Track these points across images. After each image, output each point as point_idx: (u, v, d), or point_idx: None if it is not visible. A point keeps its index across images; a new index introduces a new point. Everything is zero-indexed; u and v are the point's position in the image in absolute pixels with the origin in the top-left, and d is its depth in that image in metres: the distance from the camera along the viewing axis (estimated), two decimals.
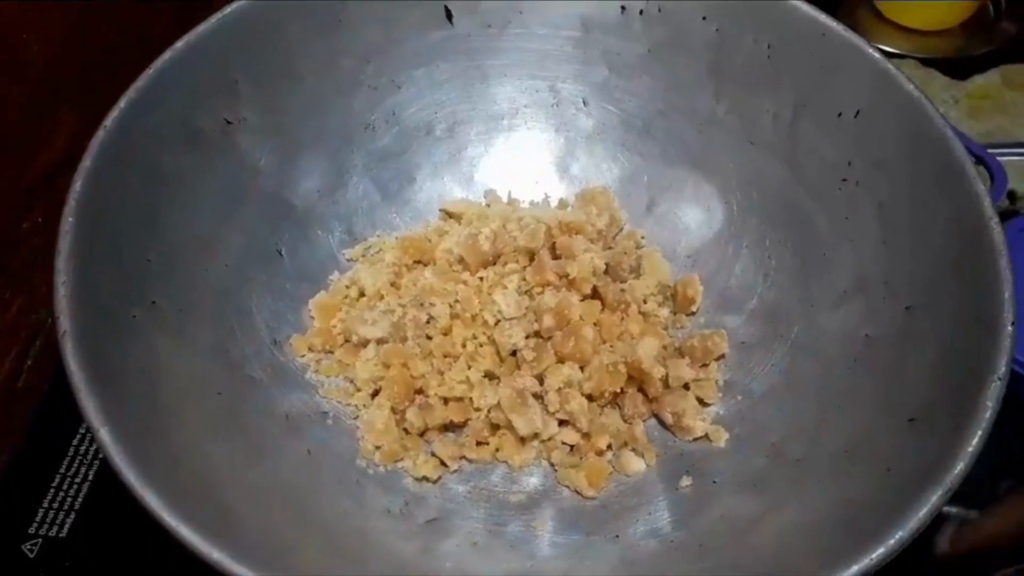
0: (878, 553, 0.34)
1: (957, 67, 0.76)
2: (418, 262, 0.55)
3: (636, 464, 0.49)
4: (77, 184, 0.41)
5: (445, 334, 0.52)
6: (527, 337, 0.51)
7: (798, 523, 0.42)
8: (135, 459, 0.34)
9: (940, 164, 0.45)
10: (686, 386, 0.51)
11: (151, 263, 0.45)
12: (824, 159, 0.51)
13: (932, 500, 0.35)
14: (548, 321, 0.50)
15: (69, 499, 0.54)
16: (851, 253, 0.49)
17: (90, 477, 0.55)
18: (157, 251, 0.45)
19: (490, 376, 0.51)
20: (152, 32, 0.49)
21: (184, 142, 0.48)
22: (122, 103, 0.44)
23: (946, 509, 0.35)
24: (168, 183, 0.47)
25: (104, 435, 0.34)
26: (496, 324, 0.51)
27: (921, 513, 0.34)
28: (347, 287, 0.54)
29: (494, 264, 0.54)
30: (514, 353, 0.51)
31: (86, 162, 0.42)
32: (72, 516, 0.53)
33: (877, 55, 0.48)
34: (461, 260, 0.54)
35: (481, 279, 0.53)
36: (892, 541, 0.34)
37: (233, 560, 0.34)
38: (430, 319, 0.52)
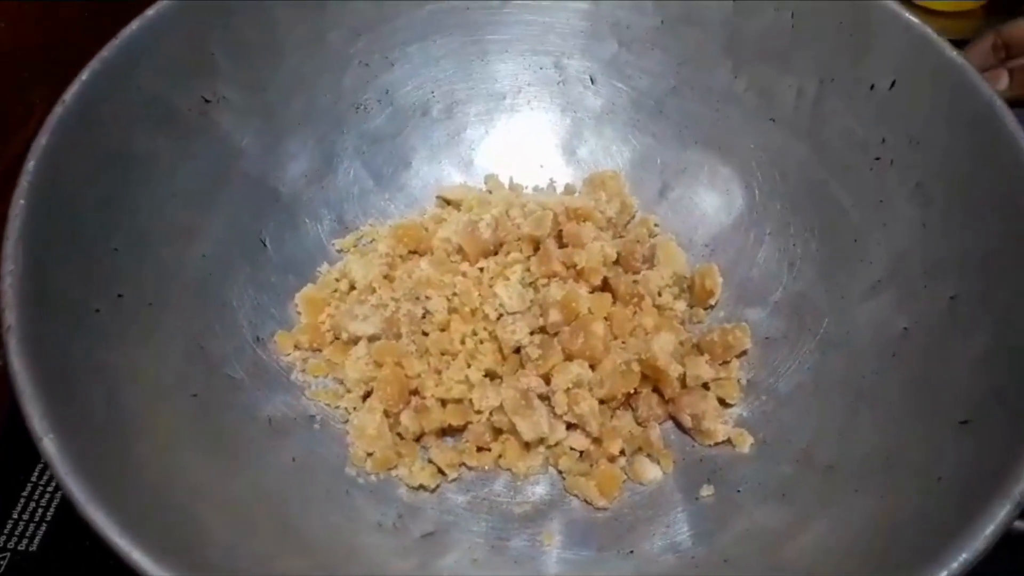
0: None
1: None
2: (413, 252, 0.51)
3: (652, 471, 0.45)
4: (30, 164, 0.37)
5: (442, 330, 0.47)
6: (532, 333, 0.47)
7: (833, 538, 0.38)
8: (85, 473, 0.30)
9: (987, 137, 0.41)
10: (706, 386, 0.47)
11: (118, 252, 0.41)
12: (854, 137, 0.47)
13: (999, 515, 0.30)
14: (555, 315, 0.46)
15: (40, 510, 0.50)
16: (885, 239, 0.45)
17: None
18: (125, 239, 0.41)
19: (491, 376, 0.47)
20: (130, 6, 0.45)
21: (157, 120, 0.44)
22: (84, 75, 0.40)
23: (1018, 524, 0.31)
24: (139, 165, 0.43)
25: (48, 445, 0.30)
26: (498, 319, 0.47)
27: (987, 530, 0.30)
28: (336, 280, 0.50)
29: (495, 254, 0.50)
30: (518, 351, 0.47)
31: (42, 140, 0.38)
32: (43, 528, 0.50)
33: (914, 19, 0.44)
34: (460, 250, 0.50)
35: (481, 270, 0.49)
36: (956, 564, 0.30)
37: None
38: (426, 314, 0.48)
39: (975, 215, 0.41)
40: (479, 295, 0.48)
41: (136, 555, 0.29)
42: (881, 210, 0.46)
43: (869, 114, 0.46)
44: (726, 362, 0.48)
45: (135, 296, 0.41)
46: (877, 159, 0.46)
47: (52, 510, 0.50)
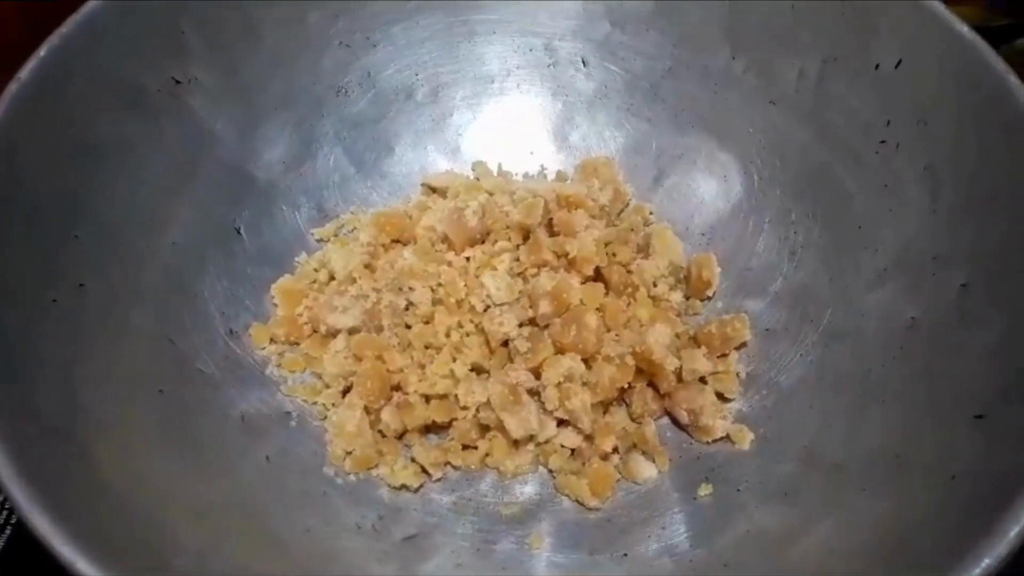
0: None
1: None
2: (396, 241, 0.49)
3: (647, 470, 0.43)
4: None
5: (426, 322, 0.45)
6: (521, 325, 0.44)
7: (839, 540, 0.36)
8: (31, 474, 0.28)
9: (1000, 117, 0.39)
10: (703, 380, 0.44)
11: (79, 239, 0.38)
12: (858, 119, 0.45)
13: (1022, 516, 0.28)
14: (545, 307, 0.44)
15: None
16: (892, 225, 0.43)
17: None
18: (88, 227, 0.39)
19: (478, 370, 0.45)
20: None
21: (123, 102, 0.42)
22: (42, 51, 0.38)
23: None
24: (103, 149, 0.41)
25: None
26: (485, 311, 0.45)
27: (1012, 533, 0.28)
28: (315, 270, 0.48)
29: (482, 243, 0.48)
30: (506, 344, 0.45)
31: None
32: (7, 532, 0.47)
33: None
34: (445, 238, 0.47)
35: (468, 259, 0.47)
36: (978, 571, 0.27)
37: None
38: (409, 305, 0.46)
39: (987, 199, 0.39)
40: (465, 285, 0.45)
41: (81, 565, 0.26)
42: (887, 195, 0.44)
43: (874, 95, 0.44)
44: (724, 355, 0.45)
45: (99, 286, 0.39)
46: (883, 142, 0.44)
47: (15, 519, 0.48)
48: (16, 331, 0.33)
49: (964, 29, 0.40)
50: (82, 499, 0.30)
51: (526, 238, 0.47)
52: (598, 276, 0.47)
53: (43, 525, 0.27)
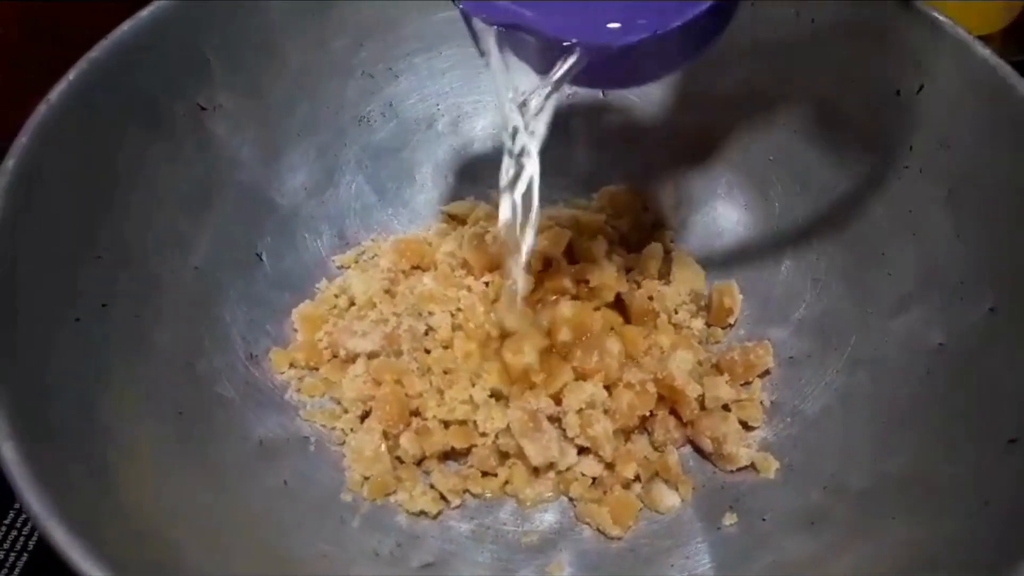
0: None
1: None
2: (416, 267, 0.49)
3: (670, 499, 0.42)
4: (9, 163, 0.35)
5: (445, 347, 0.45)
6: (541, 352, 0.44)
7: (868, 569, 0.35)
8: (46, 484, 0.28)
9: None
10: (726, 407, 0.44)
11: (102, 260, 0.39)
12: (880, 144, 0.45)
13: None
14: (565, 335, 0.44)
15: (22, 539, 0.48)
16: (916, 249, 0.43)
17: None
18: (111, 248, 0.39)
19: (497, 396, 0.44)
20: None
21: (149, 126, 0.42)
22: (71, 75, 0.38)
23: None
24: (128, 172, 0.41)
25: (7, 451, 0.28)
26: (502, 339, 0.44)
27: None
28: (336, 296, 0.48)
29: (501, 268, 0.48)
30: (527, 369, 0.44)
31: (22, 139, 0.36)
32: (24, 558, 0.47)
33: (942, 18, 0.41)
34: (464, 263, 0.47)
35: (487, 284, 0.47)
36: None
37: None
38: (428, 330, 0.46)
39: (1012, 222, 0.39)
40: (484, 311, 0.45)
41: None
42: (910, 220, 0.43)
43: (895, 120, 0.44)
44: (748, 382, 0.45)
45: (121, 307, 0.39)
46: (906, 167, 0.44)
47: (34, 540, 0.48)
48: (39, 349, 0.33)
49: (987, 52, 0.40)
50: (99, 515, 0.29)
51: (547, 265, 0.47)
52: (619, 303, 0.47)
53: (59, 535, 0.26)
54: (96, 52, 0.40)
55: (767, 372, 0.45)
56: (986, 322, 0.38)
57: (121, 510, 0.32)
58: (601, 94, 0.53)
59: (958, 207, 0.41)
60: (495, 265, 0.47)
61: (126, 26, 0.41)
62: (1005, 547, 0.30)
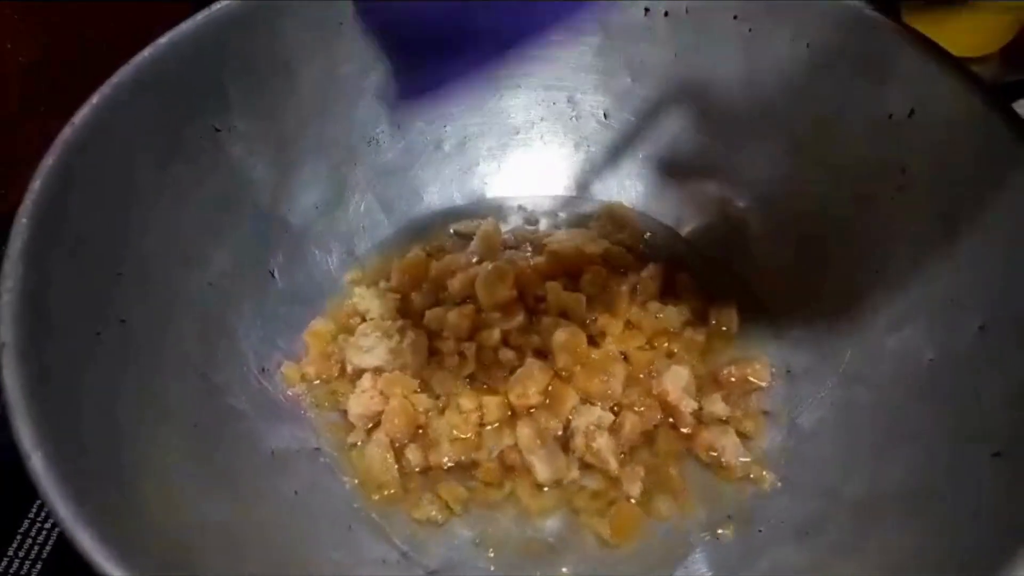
0: None
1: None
2: (421, 283, 0.50)
3: (670, 509, 0.43)
4: (36, 183, 0.36)
5: (451, 371, 0.46)
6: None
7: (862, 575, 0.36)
8: (73, 494, 0.29)
9: (1015, 162, 0.39)
10: (725, 420, 0.45)
11: (122, 277, 0.40)
12: (872, 167, 0.46)
13: None
14: (563, 360, 0.46)
15: (37, 547, 0.48)
16: (909, 269, 0.44)
17: None
18: (130, 265, 0.40)
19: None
20: (151, 37, 0.45)
21: (166, 147, 0.43)
22: (95, 99, 0.40)
23: None
24: (147, 191, 0.42)
25: (36, 463, 0.29)
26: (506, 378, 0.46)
27: None
28: (345, 312, 0.49)
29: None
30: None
31: (48, 160, 0.37)
32: (39, 566, 0.48)
33: (932, 43, 0.43)
34: (474, 296, 0.49)
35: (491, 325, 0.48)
36: None
37: None
38: (435, 352, 0.47)
39: (1004, 243, 0.40)
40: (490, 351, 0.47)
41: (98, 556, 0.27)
42: (904, 240, 0.44)
43: (888, 143, 0.45)
44: (746, 393, 0.46)
45: (138, 322, 0.40)
46: (899, 189, 0.45)
47: (49, 547, 0.49)
48: (64, 360, 0.34)
49: (976, 75, 0.41)
50: (119, 518, 0.31)
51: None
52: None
53: (85, 540, 0.28)
54: (118, 77, 0.41)
55: (763, 386, 0.46)
56: (976, 339, 0.39)
57: (141, 517, 0.33)
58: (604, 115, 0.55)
59: (951, 228, 0.42)
60: (505, 305, 0.48)
61: (146, 52, 0.42)
62: (996, 556, 0.30)
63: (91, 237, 0.39)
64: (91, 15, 0.57)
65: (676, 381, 0.45)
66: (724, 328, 0.49)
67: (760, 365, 0.46)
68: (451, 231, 0.54)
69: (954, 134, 0.42)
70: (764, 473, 0.43)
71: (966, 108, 0.42)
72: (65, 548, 0.48)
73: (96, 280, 0.39)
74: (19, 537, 0.49)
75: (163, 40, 0.43)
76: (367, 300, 0.49)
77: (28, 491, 0.48)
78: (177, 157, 0.44)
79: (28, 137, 0.52)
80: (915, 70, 0.44)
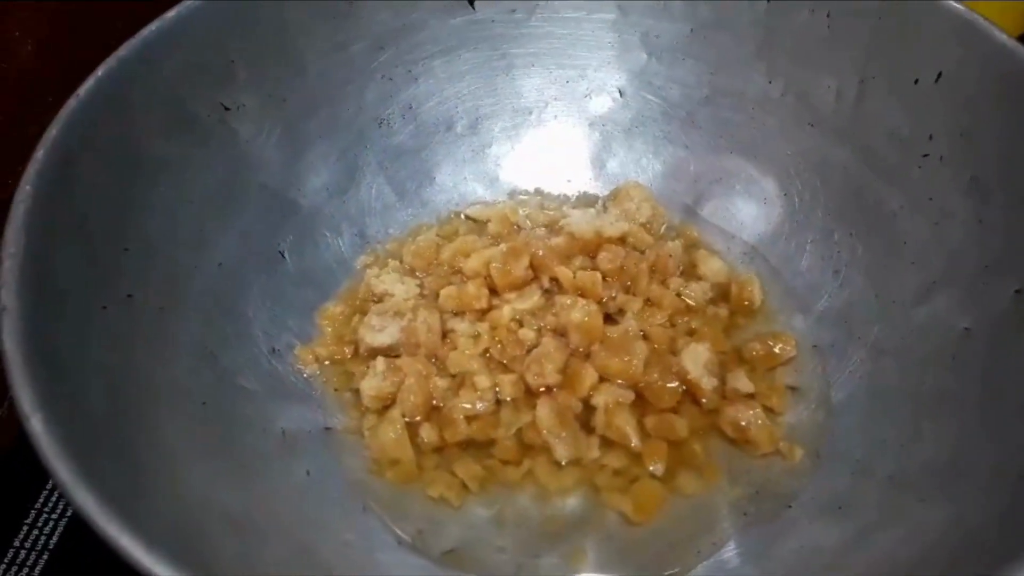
0: None
1: None
2: (434, 264, 0.49)
3: (695, 485, 0.41)
4: (39, 153, 0.36)
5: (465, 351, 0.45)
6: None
7: (897, 552, 0.34)
8: (74, 457, 0.28)
9: None
10: (751, 394, 0.43)
11: (128, 253, 0.39)
12: (899, 135, 0.45)
13: None
14: (576, 339, 0.45)
15: (43, 538, 0.48)
16: (938, 238, 0.43)
17: (68, 514, 0.48)
18: (136, 241, 0.40)
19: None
20: None
21: (173, 124, 0.43)
22: (100, 72, 0.39)
23: None
24: (153, 168, 0.42)
25: (35, 424, 0.28)
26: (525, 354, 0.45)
27: None
28: (361, 294, 0.48)
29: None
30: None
31: (52, 131, 0.37)
32: (45, 557, 0.47)
33: (958, 5, 0.42)
34: (489, 278, 0.48)
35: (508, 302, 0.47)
36: None
37: None
38: (447, 333, 0.46)
39: None
40: (507, 331, 0.46)
41: (125, 540, 0.26)
42: (932, 209, 0.43)
43: (914, 110, 0.44)
44: (771, 368, 0.44)
45: (145, 298, 0.39)
46: (925, 156, 0.44)
47: (55, 539, 0.48)
48: (68, 330, 0.34)
49: (1004, 38, 0.40)
50: (126, 491, 0.29)
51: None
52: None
53: (87, 502, 0.26)
54: (124, 51, 0.40)
55: (790, 359, 0.45)
56: (1012, 304, 0.38)
57: (147, 489, 0.32)
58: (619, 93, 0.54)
59: (981, 194, 0.41)
60: (519, 286, 0.47)
61: (153, 26, 0.42)
62: None
63: (97, 210, 0.38)
64: (91, 14, 0.57)
65: (696, 359, 0.44)
66: (747, 303, 0.47)
67: (784, 340, 0.44)
68: (464, 216, 0.53)
69: (982, 96, 0.41)
70: (792, 447, 0.41)
71: (994, 70, 0.41)
72: (72, 539, 0.47)
73: (102, 253, 0.38)
74: (26, 527, 0.48)
75: (170, 14, 0.42)
76: (384, 281, 0.48)
77: (35, 480, 0.48)
78: (184, 134, 0.43)
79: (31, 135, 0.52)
80: (941, 33, 0.42)
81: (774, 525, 0.39)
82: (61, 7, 0.54)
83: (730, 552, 0.38)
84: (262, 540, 0.36)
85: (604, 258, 0.48)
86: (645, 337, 0.46)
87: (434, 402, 0.43)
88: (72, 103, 0.38)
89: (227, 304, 0.44)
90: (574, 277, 0.47)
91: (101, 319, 0.36)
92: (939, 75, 0.43)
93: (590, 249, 0.49)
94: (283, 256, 0.48)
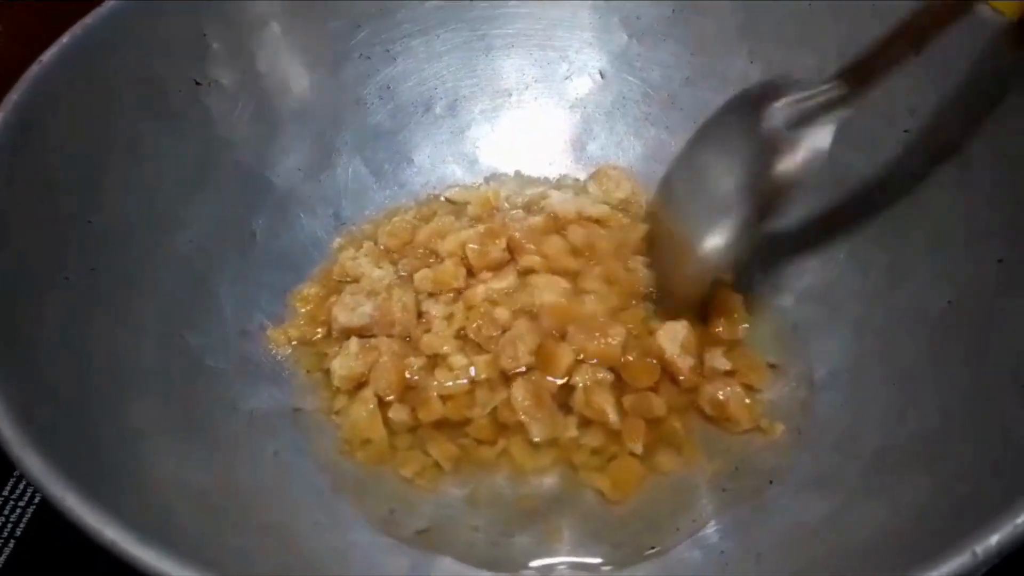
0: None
1: None
2: (408, 244, 0.49)
3: (673, 462, 0.40)
4: None
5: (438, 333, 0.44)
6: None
7: (878, 526, 0.34)
8: (23, 411, 0.27)
9: None
10: (729, 372, 0.43)
11: (93, 225, 0.38)
12: (879, 111, 0.44)
13: None
14: (548, 320, 0.44)
15: (10, 525, 0.46)
16: (920, 212, 0.42)
17: (36, 501, 0.47)
18: (103, 213, 0.39)
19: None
20: None
21: (142, 98, 0.42)
22: (64, 39, 0.39)
23: None
24: (122, 142, 0.41)
25: None
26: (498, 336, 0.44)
27: None
28: (335, 275, 0.47)
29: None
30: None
31: (13, 96, 0.36)
32: (11, 545, 0.45)
33: None
34: (465, 259, 0.47)
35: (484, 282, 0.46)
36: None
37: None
38: (422, 314, 0.45)
39: (1018, 172, 0.38)
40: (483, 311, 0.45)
41: (91, 519, 0.25)
42: (914, 183, 0.43)
43: (895, 86, 0.43)
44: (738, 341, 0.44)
45: (110, 273, 0.38)
46: (906, 131, 0.43)
47: (22, 526, 0.46)
48: (28, 303, 0.33)
49: (984, 7, 0.40)
50: (88, 470, 0.28)
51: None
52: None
53: (35, 465, 0.25)
54: (90, 19, 0.40)
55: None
56: (995, 274, 0.37)
57: (112, 469, 0.31)
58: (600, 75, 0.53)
59: (963, 166, 0.40)
60: (495, 267, 0.47)
61: None
62: (1019, 501, 0.28)
63: (61, 181, 0.38)
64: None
65: (673, 337, 0.43)
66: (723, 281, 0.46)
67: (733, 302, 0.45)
68: (443, 198, 0.52)
69: (964, 69, 0.41)
70: (773, 423, 0.41)
71: (974, 41, 0.40)
72: (40, 526, 0.46)
73: (66, 222, 0.37)
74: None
75: None
76: (358, 263, 0.47)
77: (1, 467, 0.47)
78: (154, 109, 0.43)
79: None
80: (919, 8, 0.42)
81: (755, 503, 0.38)
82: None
83: (710, 528, 0.37)
84: (231, 521, 0.35)
85: (573, 232, 0.47)
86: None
87: (408, 380, 0.42)
88: (35, 69, 0.37)
89: (197, 283, 0.43)
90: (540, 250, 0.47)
91: (65, 290, 0.35)
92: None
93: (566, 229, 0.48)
94: (256, 236, 0.47)
